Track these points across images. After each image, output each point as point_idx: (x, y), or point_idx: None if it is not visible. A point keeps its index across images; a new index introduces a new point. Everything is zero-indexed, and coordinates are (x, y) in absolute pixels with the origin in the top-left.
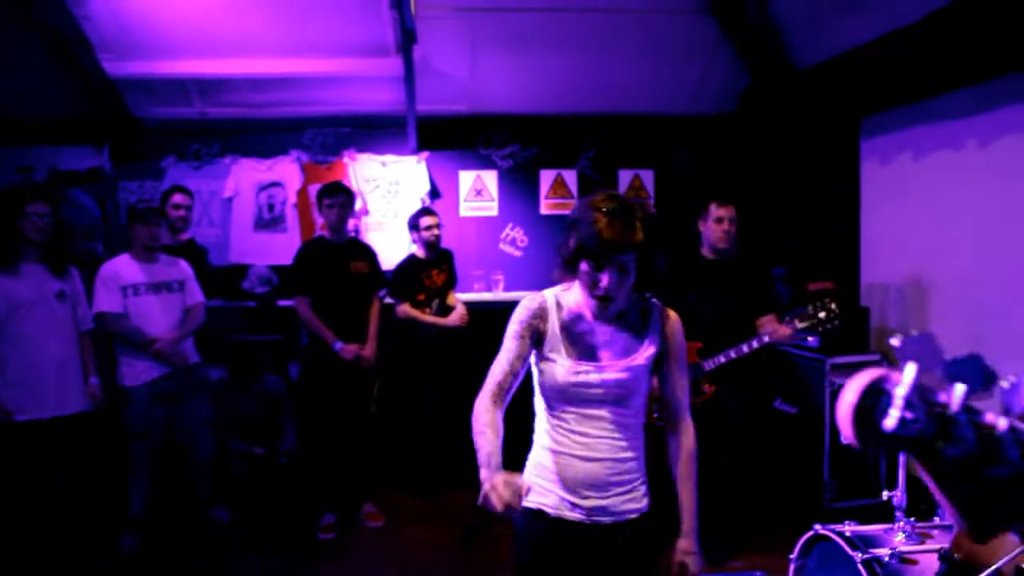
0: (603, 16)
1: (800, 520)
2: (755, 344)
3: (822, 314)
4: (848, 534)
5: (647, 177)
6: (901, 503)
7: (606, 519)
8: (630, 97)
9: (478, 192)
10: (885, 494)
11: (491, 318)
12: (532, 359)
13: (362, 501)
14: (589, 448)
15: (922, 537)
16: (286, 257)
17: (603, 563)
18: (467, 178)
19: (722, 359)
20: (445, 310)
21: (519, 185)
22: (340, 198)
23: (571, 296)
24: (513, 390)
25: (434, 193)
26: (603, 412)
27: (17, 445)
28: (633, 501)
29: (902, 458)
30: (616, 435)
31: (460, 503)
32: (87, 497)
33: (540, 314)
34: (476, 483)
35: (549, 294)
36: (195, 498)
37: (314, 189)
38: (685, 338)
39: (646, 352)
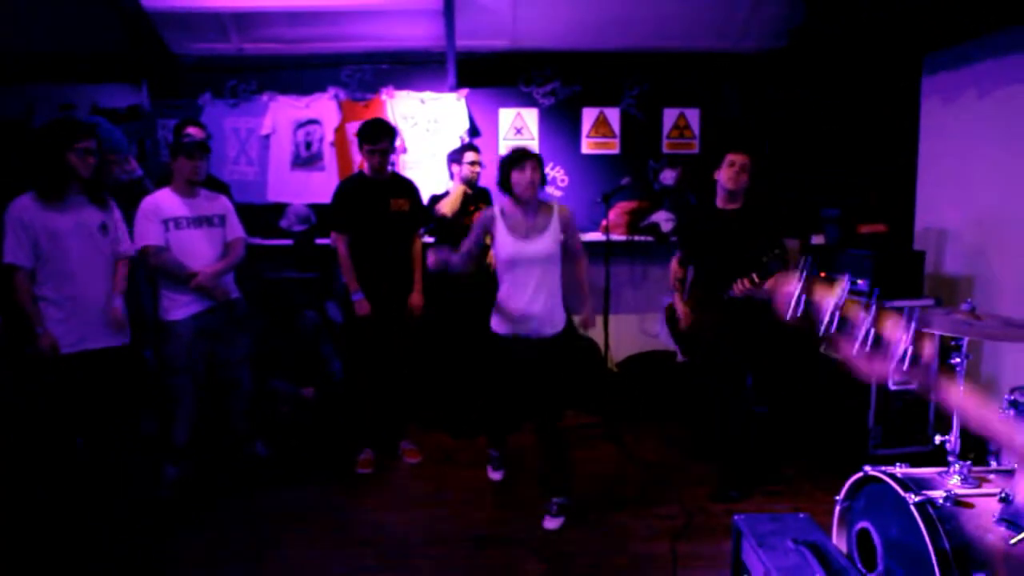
0: None
1: (845, 465)
2: (730, 294)
3: (767, 257)
4: (900, 476)
5: (692, 116)
6: (955, 448)
7: (533, 335)
8: (676, 32)
9: (518, 130)
10: (938, 438)
11: None
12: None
13: (400, 438)
14: (525, 298)
15: (979, 481)
16: (324, 196)
17: (533, 359)
18: (507, 116)
19: (726, 295)
20: (484, 250)
21: (560, 123)
22: (383, 144)
23: (509, 205)
24: (473, 257)
25: (473, 131)
26: (534, 272)
27: (67, 377)
28: (551, 326)
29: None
30: (539, 289)
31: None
32: (131, 427)
33: (490, 219)
34: (514, 427)
35: (496, 208)
36: (234, 431)
37: (352, 127)
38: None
39: (553, 230)
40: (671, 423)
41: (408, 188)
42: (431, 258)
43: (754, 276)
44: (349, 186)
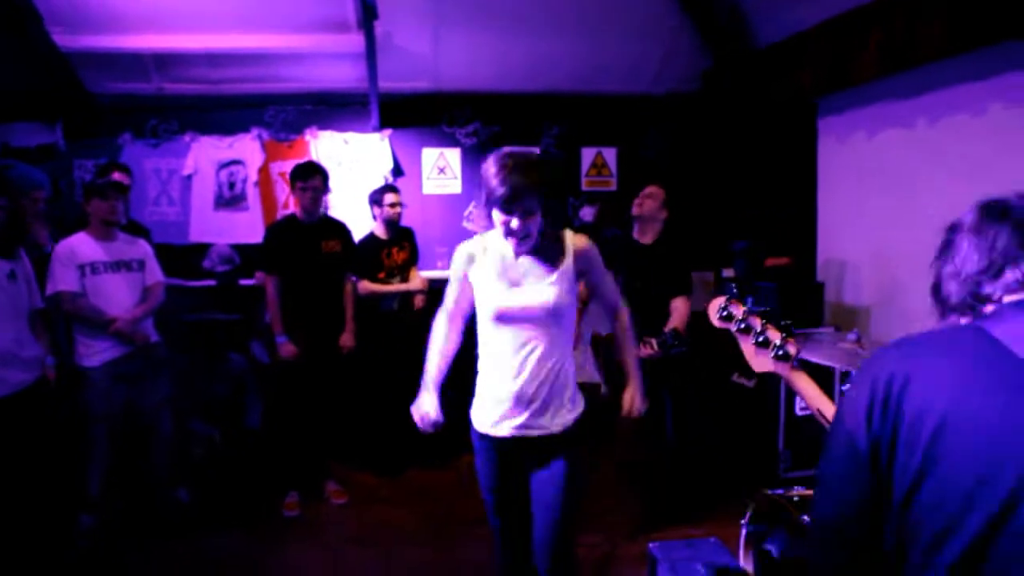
0: None
1: (755, 489)
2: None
3: (671, 341)
4: (796, 499)
5: (610, 155)
6: None
7: (535, 432)
8: (593, 76)
9: (441, 170)
10: None
11: None
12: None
13: (325, 478)
14: (516, 367)
15: None
16: (248, 236)
17: (537, 461)
18: (430, 155)
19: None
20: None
21: (480, 162)
22: (314, 181)
23: (493, 239)
24: (465, 312)
25: (397, 171)
26: (530, 332)
27: None
28: (559, 416)
29: None
30: (539, 356)
31: (423, 481)
32: (43, 477)
33: (470, 259)
34: (439, 462)
35: (476, 241)
36: (155, 478)
37: (276, 167)
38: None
39: (561, 274)
40: (595, 455)
41: (340, 230)
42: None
43: (654, 343)
44: (280, 228)
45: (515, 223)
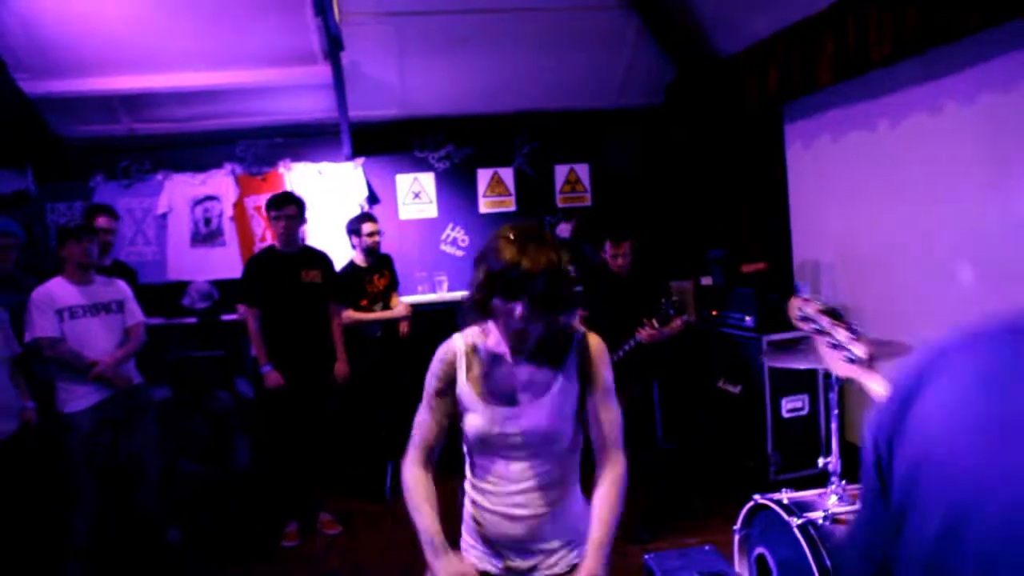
0: (526, 15)
1: (746, 494)
2: (631, 344)
3: (664, 302)
4: (786, 502)
5: (583, 171)
6: (835, 468)
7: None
8: (560, 93)
9: (416, 195)
10: (821, 461)
11: (437, 318)
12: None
13: (319, 509)
14: (512, 504)
15: (853, 498)
16: (226, 271)
17: None
18: (404, 181)
19: (621, 353)
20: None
21: (457, 185)
22: (288, 210)
23: (489, 335)
24: (441, 445)
25: (372, 198)
26: (527, 463)
27: None
28: (565, 557)
29: (835, 426)
30: (541, 489)
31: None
32: (27, 527)
33: (449, 363)
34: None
35: (460, 340)
36: (144, 521)
37: (251, 201)
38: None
39: (564, 388)
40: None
41: (320, 259)
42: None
43: (654, 321)
44: (259, 260)
45: (519, 309)
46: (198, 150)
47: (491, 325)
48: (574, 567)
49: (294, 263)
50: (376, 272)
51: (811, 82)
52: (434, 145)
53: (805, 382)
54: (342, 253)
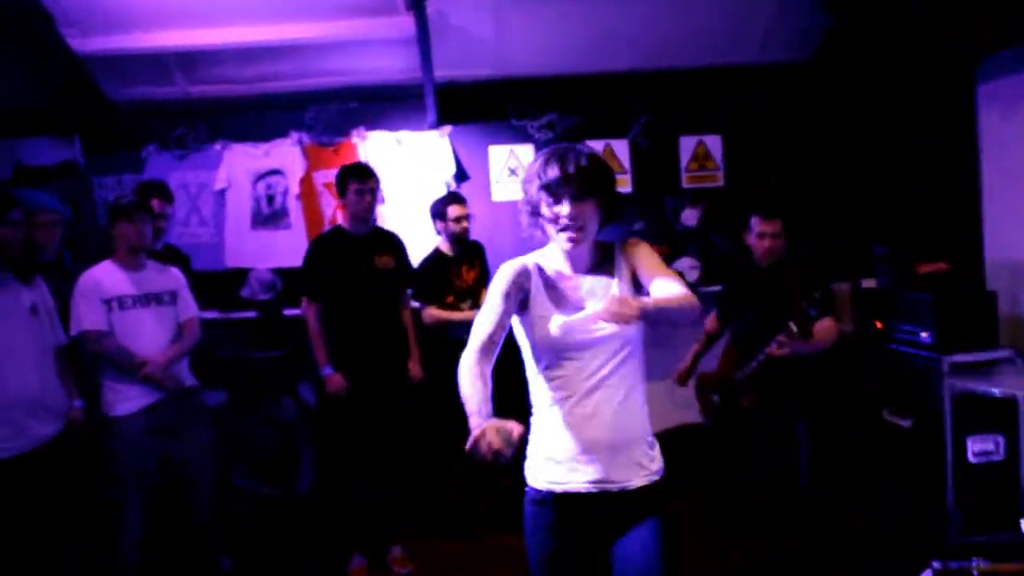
0: None
1: (919, 558)
2: (759, 359)
3: (805, 302)
4: (975, 574)
5: (714, 144)
6: None
7: (612, 486)
8: (686, 47)
9: (512, 171)
10: None
11: None
12: (517, 323)
13: (391, 542)
14: (590, 403)
15: None
16: (290, 258)
17: (616, 527)
18: (499, 155)
19: (753, 366)
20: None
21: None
22: (372, 182)
23: (549, 256)
24: (499, 346)
25: (460, 175)
26: (597, 365)
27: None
28: (641, 466)
29: None
30: (616, 391)
31: (507, 545)
32: (68, 546)
33: (523, 274)
34: (519, 526)
35: (528, 258)
36: (198, 540)
37: (320, 176)
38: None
39: (621, 286)
40: (700, 503)
41: (392, 243)
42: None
43: (792, 326)
44: (324, 243)
45: (566, 208)
46: (261, 116)
47: (550, 246)
48: (650, 479)
49: (366, 247)
50: (465, 263)
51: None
52: (534, 112)
53: (1000, 418)
54: (420, 241)
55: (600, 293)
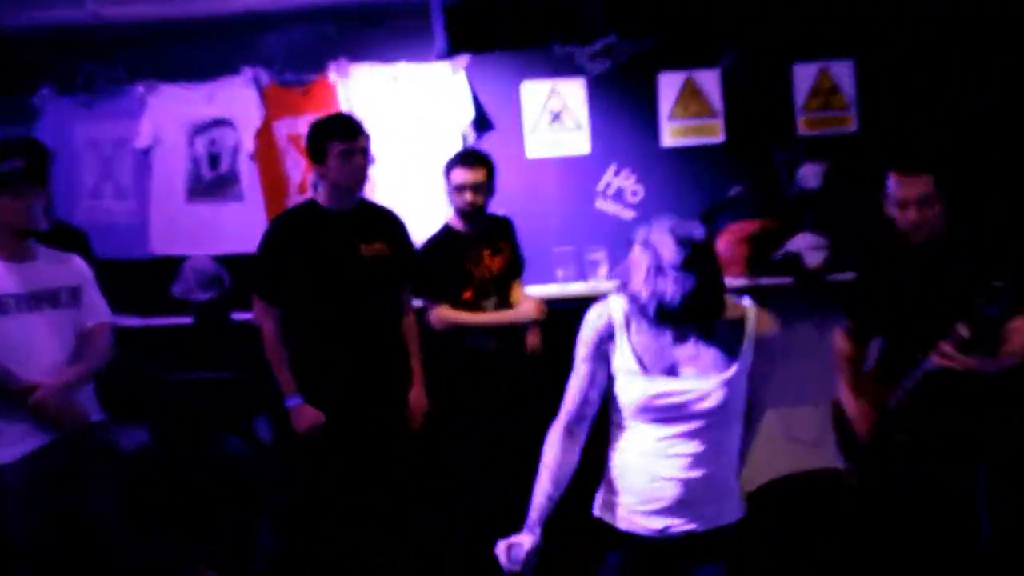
0: None
1: None
2: (916, 377)
3: (983, 295)
4: None
5: (843, 73)
6: None
7: (690, 530)
8: None
9: (555, 116)
10: None
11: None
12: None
13: None
14: (665, 467)
15: None
16: (242, 241)
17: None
18: (536, 94)
19: (901, 392)
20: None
21: (623, 101)
22: (361, 140)
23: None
24: (591, 417)
25: (482, 123)
26: (686, 428)
27: None
28: (718, 511)
29: None
30: (702, 452)
31: None
32: None
33: (607, 331)
34: None
35: (617, 304)
36: None
37: (284, 127)
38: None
39: (739, 370)
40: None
41: (387, 222)
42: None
43: (961, 329)
44: (291, 223)
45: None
46: (200, 47)
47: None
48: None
49: (349, 228)
50: (488, 245)
51: None
52: (587, 34)
53: None
54: (425, 219)
55: (705, 363)
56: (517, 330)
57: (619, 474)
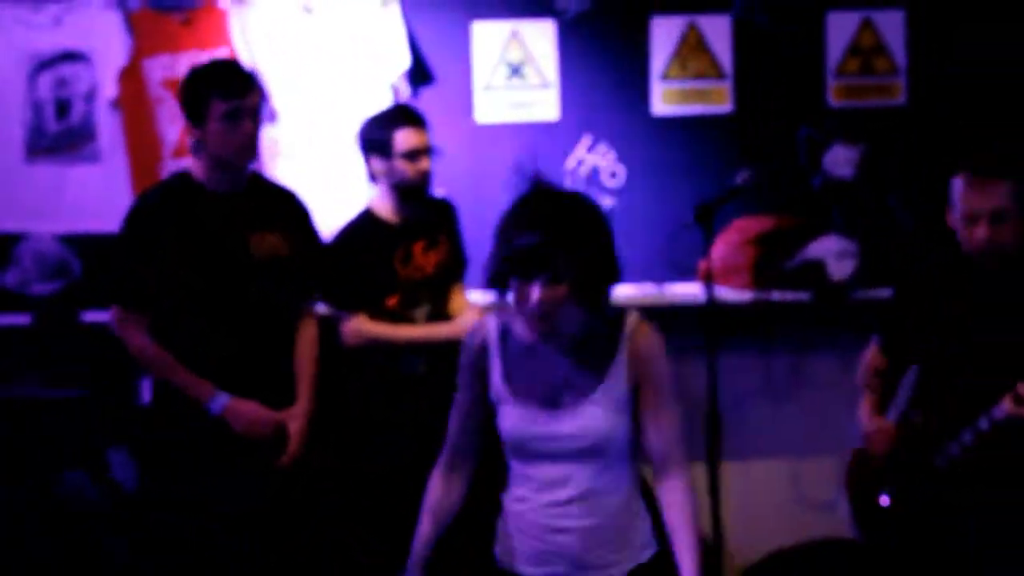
0: None
1: None
2: (972, 435)
3: None
4: None
5: (891, 25)
6: None
7: None
8: None
9: (515, 69)
10: None
11: None
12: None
13: None
14: (557, 516)
15: None
16: (100, 215)
17: None
18: (491, 38)
19: (956, 449)
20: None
21: (606, 53)
22: (252, 96)
23: (518, 322)
24: (476, 449)
25: (419, 74)
26: (570, 470)
27: None
28: (617, 565)
29: None
30: (590, 499)
31: None
32: None
33: (481, 351)
34: None
35: (493, 322)
36: None
37: (157, 68)
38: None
39: (611, 388)
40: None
41: (286, 207)
42: None
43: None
44: (161, 204)
45: (536, 293)
46: None
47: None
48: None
49: (236, 213)
50: (421, 237)
51: None
52: None
53: None
54: (340, 202)
55: (583, 386)
56: (455, 349)
57: (510, 522)
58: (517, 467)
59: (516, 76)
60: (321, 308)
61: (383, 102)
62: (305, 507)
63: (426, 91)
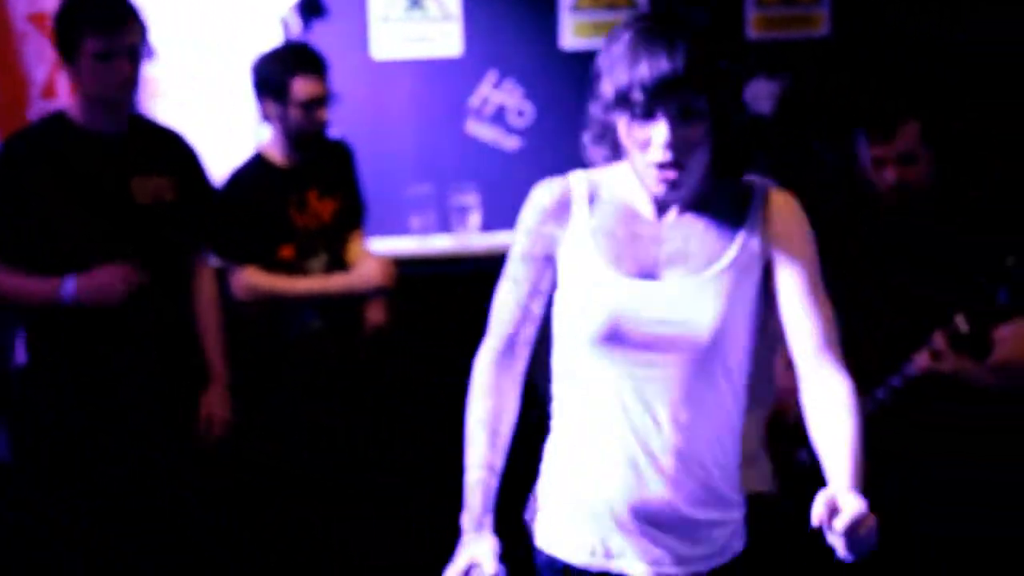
0: None
1: None
2: (899, 381)
3: (987, 275)
4: None
5: None
6: None
7: (670, 570)
8: None
9: (414, 1)
10: None
11: (452, 291)
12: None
13: None
14: (640, 453)
15: None
16: None
17: None
18: None
19: (871, 405)
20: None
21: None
22: (131, 35)
23: (618, 179)
24: (531, 340)
25: (311, 7)
26: (669, 372)
27: None
28: (716, 543)
29: None
30: (690, 418)
31: None
32: None
33: (558, 211)
34: None
35: (579, 179)
36: None
37: (21, 1)
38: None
39: (740, 263)
40: None
41: (173, 149)
42: None
43: (959, 322)
44: (30, 149)
45: (664, 133)
46: None
47: (624, 166)
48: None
49: (117, 157)
50: (316, 184)
51: None
52: None
53: None
54: (229, 144)
55: (698, 257)
56: (353, 302)
57: (558, 469)
58: (590, 374)
59: (415, 8)
60: (214, 262)
61: (273, 38)
62: (193, 478)
63: (319, 24)
